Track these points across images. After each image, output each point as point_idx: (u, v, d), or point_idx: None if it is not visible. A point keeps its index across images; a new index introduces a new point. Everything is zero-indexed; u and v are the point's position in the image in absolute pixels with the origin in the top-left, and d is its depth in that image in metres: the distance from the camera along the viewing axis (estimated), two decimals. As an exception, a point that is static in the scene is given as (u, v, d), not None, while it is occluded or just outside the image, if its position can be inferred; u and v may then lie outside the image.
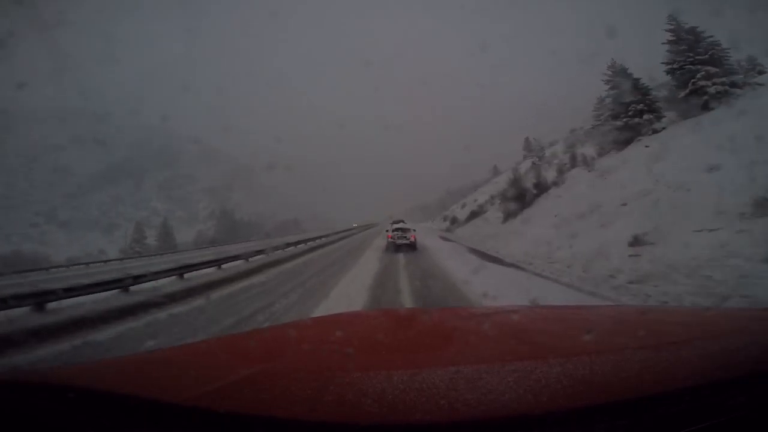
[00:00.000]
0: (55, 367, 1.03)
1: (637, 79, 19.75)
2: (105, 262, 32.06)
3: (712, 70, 16.62)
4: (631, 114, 18.92)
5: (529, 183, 22.44)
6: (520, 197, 21.53)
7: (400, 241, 16.01)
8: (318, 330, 1.46)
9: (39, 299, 6.46)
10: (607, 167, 17.18)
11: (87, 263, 31.04)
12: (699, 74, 16.68)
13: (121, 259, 35.38)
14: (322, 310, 6.02)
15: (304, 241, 22.59)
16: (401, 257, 13.73)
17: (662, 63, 18.53)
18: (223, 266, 12.36)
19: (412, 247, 15.92)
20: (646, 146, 16.29)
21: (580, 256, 9.56)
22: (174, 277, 10.02)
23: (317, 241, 24.46)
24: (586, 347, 1.01)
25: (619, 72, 20.58)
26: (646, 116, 18.71)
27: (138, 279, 8.73)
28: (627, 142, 18.74)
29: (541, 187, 21.15)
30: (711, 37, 17.72)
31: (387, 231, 17.95)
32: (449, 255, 13.83)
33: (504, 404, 0.64)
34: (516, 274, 9.09)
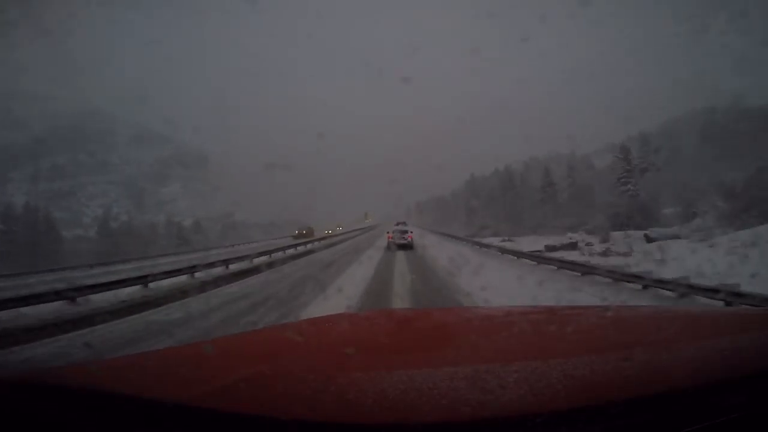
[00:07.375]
0: (55, 367, 1.02)
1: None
2: None
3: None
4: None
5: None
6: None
7: (399, 241, 18.31)
8: (318, 330, 1.46)
9: None
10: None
11: None
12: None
13: None
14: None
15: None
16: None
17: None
18: None
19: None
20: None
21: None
22: None
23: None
24: (586, 347, 1.01)
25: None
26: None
27: None
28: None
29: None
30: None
31: (388, 232, 20.40)
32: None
33: (504, 404, 0.64)
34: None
